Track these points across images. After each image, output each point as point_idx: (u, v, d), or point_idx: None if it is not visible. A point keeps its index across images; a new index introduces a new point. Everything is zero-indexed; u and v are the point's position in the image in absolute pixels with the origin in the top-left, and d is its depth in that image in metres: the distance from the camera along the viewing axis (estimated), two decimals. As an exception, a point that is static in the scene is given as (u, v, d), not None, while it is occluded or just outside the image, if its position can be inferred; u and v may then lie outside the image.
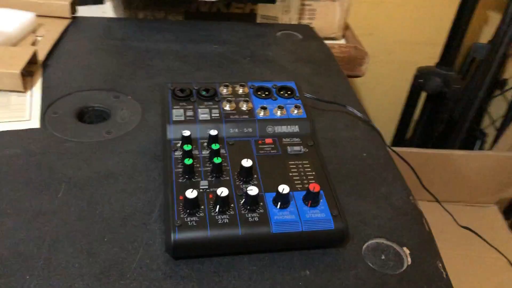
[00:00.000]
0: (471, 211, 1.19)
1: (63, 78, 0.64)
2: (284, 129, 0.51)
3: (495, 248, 0.64)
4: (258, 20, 0.95)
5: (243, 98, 0.52)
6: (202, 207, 0.42)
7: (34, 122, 0.55)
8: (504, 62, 1.54)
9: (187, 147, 0.45)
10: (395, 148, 1.10)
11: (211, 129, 0.48)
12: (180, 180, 0.44)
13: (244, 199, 0.43)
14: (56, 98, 0.60)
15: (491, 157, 1.10)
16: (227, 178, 0.45)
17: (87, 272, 0.40)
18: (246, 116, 0.51)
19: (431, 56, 1.50)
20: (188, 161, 0.44)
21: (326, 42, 0.99)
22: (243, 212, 0.42)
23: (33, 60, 0.63)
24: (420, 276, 0.43)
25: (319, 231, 0.42)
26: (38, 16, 0.73)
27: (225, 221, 0.41)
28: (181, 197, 0.42)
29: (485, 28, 1.54)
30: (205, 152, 0.47)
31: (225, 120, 0.50)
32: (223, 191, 0.41)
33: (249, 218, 0.42)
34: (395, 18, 1.48)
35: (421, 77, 1.42)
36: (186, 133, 0.47)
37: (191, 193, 0.41)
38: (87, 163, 0.51)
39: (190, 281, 0.40)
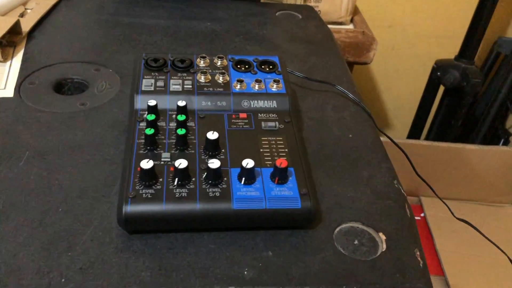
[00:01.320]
0: (485, 210, 1.13)
1: (46, 50, 0.62)
2: (261, 104, 0.48)
3: (494, 244, 0.59)
4: (263, 1, 0.91)
5: (220, 71, 0.50)
6: (161, 179, 0.39)
7: (8, 91, 0.54)
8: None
9: (151, 117, 0.43)
10: (403, 142, 1.05)
11: (182, 101, 0.45)
12: (141, 152, 0.42)
13: (206, 173, 0.40)
14: (35, 69, 0.58)
15: (507, 152, 1.04)
16: (192, 151, 0.42)
17: (35, 242, 0.38)
18: (221, 89, 0.48)
19: (454, 49, 1.43)
20: (149, 131, 0.41)
21: (333, 26, 0.95)
22: (204, 186, 0.39)
23: (16, 31, 0.62)
24: (393, 264, 0.39)
25: (284, 209, 0.39)
26: (30, -11, 0.72)
27: (183, 195, 0.38)
28: (139, 169, 0.39)
29: None
30: (173, 124, 0.45)
31: (197, 92, 0.47)
32: (181, 163, 0.39)
33: (210, 193, 0.39)
34: (416, 9, 1.42)
35: (439, 70, 1.36)
36: (152, 102, 0.44)
37: (146, 164, 0.38)
38: (55, 133, 0.49)
39: (141, 256, 0.37)
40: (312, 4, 0.93)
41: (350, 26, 0.97)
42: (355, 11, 1.00)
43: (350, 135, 0.53)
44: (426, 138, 1.55)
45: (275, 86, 0.49)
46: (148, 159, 0.39)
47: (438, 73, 1.37)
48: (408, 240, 0.41)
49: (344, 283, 0.37)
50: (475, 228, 0.56)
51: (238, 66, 0.51)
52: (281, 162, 0.40)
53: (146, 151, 0.42)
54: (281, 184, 0.40)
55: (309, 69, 0.64)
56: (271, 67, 0.51)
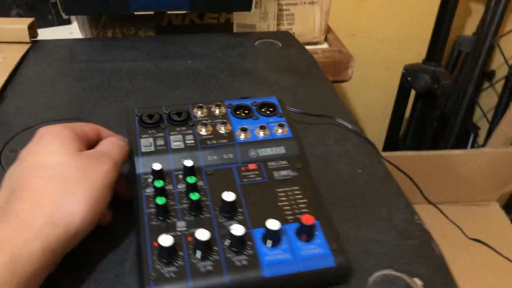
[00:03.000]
0: (472, 211, 1.14)
1: (22, 110, 0.58)
2: (268, 151, 0.45)
3: (507, 258, 0.59)
4: (235, 29, 0.90)
5: (220, 120, 0.47)
6: (181, 253, 0.36)
7: (-12, 163, 0.49)
8: (491, 53, 1.51)
9: (159, 184, 0.40)
10: (390, 155, 1.05)
11: (185, 159, 0.42)
12: (153, 223, 0.38)
13: (229, 240, 0.37)
14: (14, 134, 0.54)
15: (488, 154, 1.06)
16: (208, 215, 0.39)
17: None
18: (225, 141, 0.45)
19: (418, 51, 1.46)
20: (161, 201, 0.38)
21: (308, 47, 0.94)
22: (228, 255, 0.36)
23: (-13, 93, 0.57)
24: (436, 312, 0.37)
25: (318, 270, 0.36)
26: (-6, 42, 0.67)
27: (208, 269, 0.35)
28: (155, 244, 0.36)
29: (469, 20, 1.51)
30: (181, 186, 0.41)
31: (201, 147, 0.44)
32: (203, 234, 0.35)
33: (236, 262, 0.36)
34: (377, 16, 1.44)
35: (409, 75, 1.38)
36: (157, 166, 0.41)
37: (166, 240, 0.35)
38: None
39: None
40: (285, 27, 0.92)
41: (325, 45, 0.96)
42: (328, 29, 0.99)
43: (359, 170, 0.51)
44: (403, 143, 1.57)
45: (280, 130, 0.46)
46: (166, 234, 0.35)
47: (409, 78, 1.38)
48: (444, 282, 0.40)
49: None
50: (490, 247, 0.55)
51: (238, 112, 0.48)
52: (308, 219, 0.37)
53: (159, 221, 0.38)
54: (309, 242, 0.38)
55: (301, 102, 0.62)
56: (271, 109, 0.49)
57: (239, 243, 0.36)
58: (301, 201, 0.41)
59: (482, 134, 1.64)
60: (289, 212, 0.40)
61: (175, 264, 0.35)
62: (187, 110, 0.48)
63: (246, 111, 0.49)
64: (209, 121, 0.47)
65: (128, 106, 0.59)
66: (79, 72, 0.66)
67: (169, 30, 0.87)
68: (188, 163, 0.42)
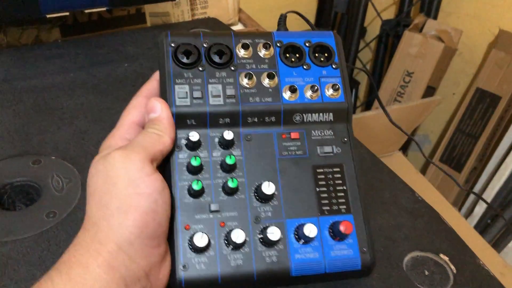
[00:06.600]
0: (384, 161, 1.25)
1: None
2: (315, 117, 0.39)
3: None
4: (148, 19, 0.83)
5: (266, 67, 0.39)
6: (212, 242, 0.34)
7: None
8: (365, 12, 1.60)
9: (195, 162, 0.35)
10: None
11: (224, 119, 0.37)
12: (185, 201, 0.35)
13: (261, 236, 0.35)
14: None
15: (394, 111, 1.15)
16: (242, 196, 0.36)
17: None
18: (269, 99, 0.38)
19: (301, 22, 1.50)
20: (197, 185, 0.34)
21: (225, 30, 0.91)
22: (259, 249, 0.35)
23: None
24: (471, 283, 0.40)
25: (343, 272, 0.36)
26: None
27: (238, 263, 0.34)
28: (187, 227, 0.34)
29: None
30: (216, 155, 0.37)
31: (242, 105, 0.38)
32: (239, 236, 0.34)
33: (266, 258, 0.35)
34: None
35: (303, 45, 1.42)
36: (194, 136, 0.36)
37: (201, 240, 0.33)
38: (34, 270, 0.38)
39: None
40: (199, 11, 0.88)
41: (240, 26, 0.94)
42: (239, 9, 0.96)
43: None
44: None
45: (331, 92, 0.39)
46: (202, 233, 0.33)
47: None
48: (464, 253, 0.43)
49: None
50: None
51: (287, 56, 0.40)
52: (346, 227, 0.36)
53: (192, 199, 0.35)
54: (340, 241, 0.36)
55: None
56: (326, 55, 0.40)
57: (271, 243, 0.35)
58: (340, 188, 0.38)
59: (363, 88, 1.78)
60: (326, 202, 0.37)
61: (206, 254, 0.34)
62: (230, 49, 0.39)
63: (297, 55, 0.40)
64: (253, 65, 0.39)
65: (80, 128, 0.51)
66: (4, 93, 0.55)
67: (77, 29, 0.77)
68: (228, 135, 0.36)
